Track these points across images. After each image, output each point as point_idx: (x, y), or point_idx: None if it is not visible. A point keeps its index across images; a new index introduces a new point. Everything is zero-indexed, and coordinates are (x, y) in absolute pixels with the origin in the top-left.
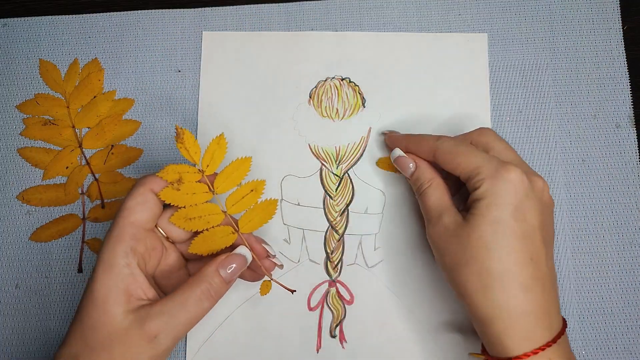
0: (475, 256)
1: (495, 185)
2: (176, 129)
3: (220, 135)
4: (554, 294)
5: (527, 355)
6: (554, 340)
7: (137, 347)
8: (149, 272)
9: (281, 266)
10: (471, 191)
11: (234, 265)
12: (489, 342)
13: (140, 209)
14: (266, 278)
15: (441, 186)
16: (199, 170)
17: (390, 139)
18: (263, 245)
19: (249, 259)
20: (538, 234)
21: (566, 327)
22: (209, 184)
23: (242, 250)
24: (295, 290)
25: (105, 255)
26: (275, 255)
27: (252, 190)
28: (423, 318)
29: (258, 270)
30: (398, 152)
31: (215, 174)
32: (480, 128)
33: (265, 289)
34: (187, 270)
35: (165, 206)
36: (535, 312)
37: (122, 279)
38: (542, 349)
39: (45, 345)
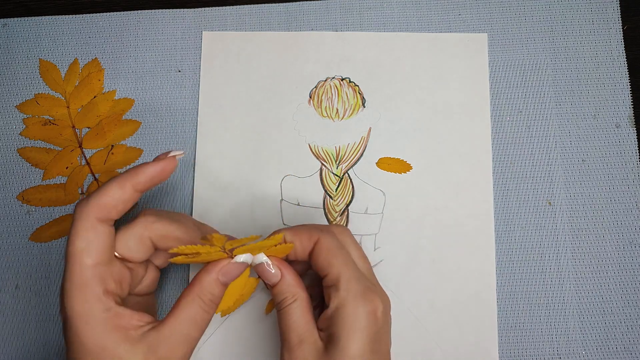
0: None
1: (357, 314)
2: (206, 237)
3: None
4: None
5: None
6: None
7: None
8: (131, 294)
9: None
10: (330, 300)
11: (234, 271)
12: None
13: (94, 248)
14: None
15: (305, 304)
16: (222, 250)
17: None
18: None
19: (249, 261)
20: (389, 359)
21: None
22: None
23: (244, 258)
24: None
25: (77, 307)
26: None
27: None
28: (423, 318)
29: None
30: (261, 257)
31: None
32: (339, 226)
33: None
34: (153, 267)
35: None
36: None
37: (110, 325)
38: None
39: (45, 345)
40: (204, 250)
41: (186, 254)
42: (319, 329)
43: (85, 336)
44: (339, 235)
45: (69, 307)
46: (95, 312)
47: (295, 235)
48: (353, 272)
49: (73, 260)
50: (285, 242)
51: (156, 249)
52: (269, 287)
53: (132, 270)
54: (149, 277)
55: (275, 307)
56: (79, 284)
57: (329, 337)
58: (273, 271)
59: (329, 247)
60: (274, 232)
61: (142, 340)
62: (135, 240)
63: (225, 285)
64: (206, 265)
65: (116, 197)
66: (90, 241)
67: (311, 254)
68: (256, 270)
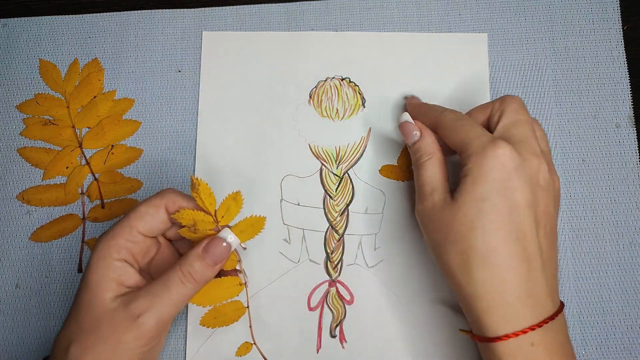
0: (460, 235)
1: (481, 161)
2: (191, 179)
3: (237, 192)
4: (545, 276)
5: (508, 336)
6: (540, 325)
7: (122, 327)
8: (142, 266)
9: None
10: (461, 167)
11: (216, 250)
12: (472, 321)
13: (148, 220)
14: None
15: (440, 162)
16: (214, 220)
17: (408, 105)
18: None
19: (234, 243)
20: (526, 212)
21: (560, 312)
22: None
23: (225, 234)
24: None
25: (100, 248)
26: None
27: None
28: (423, 318)
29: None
30: (406, 116)
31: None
32: (505, 96)
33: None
34: None
35: None
36: (518, 293)
37: (114, 270)
38: (524, 331)
39: (45, 345)
40: (199, 217)
41: (185, 221)
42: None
43: (93, 271)
44: (500, 104)
45: (97, 244)
46: (109, 257)
47: (419, 112)
48: (476, 132)
49: (129, 214)
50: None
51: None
52: (409, 147)
53: (160, 245)
54: (168, 254)
55: (413, 164)
56: (115, 232)
57: (457, 188)
58: (415, 131)
59: (447, 125)
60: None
61: (123, 295)
62: (153, 211)
63: (210, 266)
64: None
65: (153, 226)
66: (149, 212)
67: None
68: (400, 127)
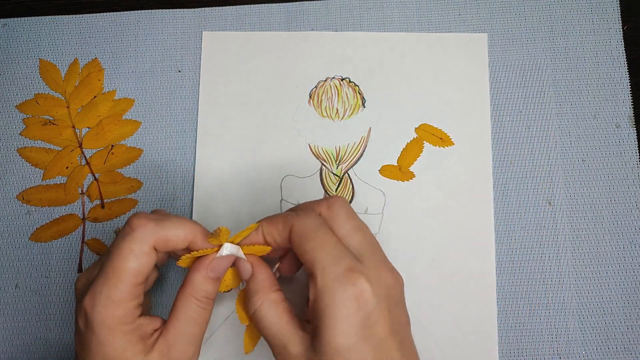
0: None
1: (337, 302)
2: (216, 231)
3: (256, 224)
4: None
5: None
6: None
7: None
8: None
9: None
10: (310, 292)
11: (222, 266)
12: None
13: (144, 270)
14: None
15: (277, 304)
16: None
17: (263, 222)
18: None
19: (234, 252)
20: (391, 341)
21: None
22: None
23: (229, 249)
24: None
25: (108, 319)
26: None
27: None
28: (423, 318)
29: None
30: (230, 249)
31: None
32: (332, 198)
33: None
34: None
35: None
36: None
37: (133, 334)
38: None
39: (45, 345)
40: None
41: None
42: (308, 322)
43: (109, 346)
44: (330, 210)
45: (97, 314)
46: (124, 325)
47: (271, 225)
48: (330, 253)
49: (119, 275)
50: (262, 231)
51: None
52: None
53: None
54: (152, 277)
55: (247, 311)
56: (116, 298)
57: (314, 330)
58: (247, 266)
59: (302, 232)
60: (257, 222)
61: (155, 347)
62: (145, 260)
63: (217, 280)
64: (195, 263)
65: (179, 240)
66: (142, 264)
67: (290, 242)
68: (235, 263)
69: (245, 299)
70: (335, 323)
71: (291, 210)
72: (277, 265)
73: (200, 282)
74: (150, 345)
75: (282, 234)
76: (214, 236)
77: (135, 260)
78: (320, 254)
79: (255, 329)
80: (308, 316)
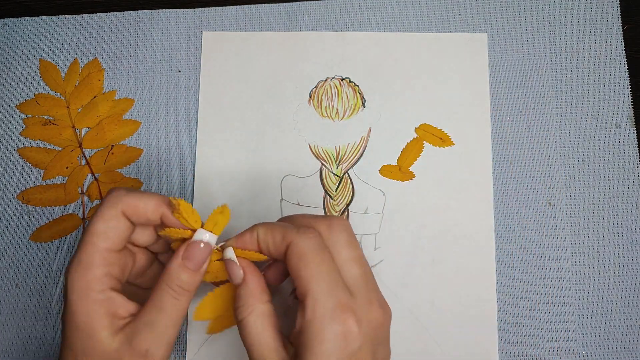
0: None
1: (323, 337)
2: (170, 201)
3: (224, 205)
4: None
5: None
6: None
7: None
8: (123, 282)
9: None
10: (298, 316)
11: (196, 253)
12: None
13: (112, 235)
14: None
15: (265, 317)
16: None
17: (259, 227)
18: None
19: (212, 241)
20: None
21: None
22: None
23: (201, 235)
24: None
25: (77, 283)
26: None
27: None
28: (423, 318)
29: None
30: (229, 252)
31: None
32: (334, 219)
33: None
34: (158, 263)
35: None
36: None
37: (101, 304)
38: None
39: (45, 344)
40: (186, 234)
41: (176, 235)
42: (291, 343)
43: (77, 311)
44: (330, 232)
45: (70, 281)
46: (92, 291)
47: (268, 233)
48: (324, 285)
49: (88, 239)
50: (258, 238)
51: (134, 225)
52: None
53: (135, 257)
54: (141, 262)
55: (234, 315)
56: (86, 262)
57: (296, 355)
58: (238, 271)
59: (301, 254)
60: (254, 226)
61: (121, 330)
62: (113, 224)
63: (195, 271)
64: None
65: (148, 208)
66: (110, 227)
67: (285, 257)
68: (225, 266)
69: (234, 302)
70: (318, 358)
71: (288, 219)
72: (262, 273)
73: (175, 270)
74: (119, 327)
75: (278, 247)
76: (174, 208)
77: (103, 223)
78: (315, 286)
79: (231, 320)
80: (291, 339)
